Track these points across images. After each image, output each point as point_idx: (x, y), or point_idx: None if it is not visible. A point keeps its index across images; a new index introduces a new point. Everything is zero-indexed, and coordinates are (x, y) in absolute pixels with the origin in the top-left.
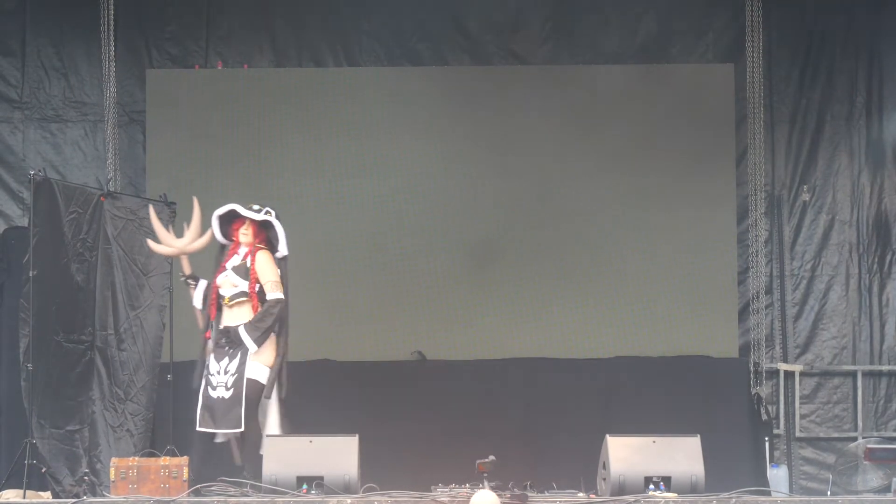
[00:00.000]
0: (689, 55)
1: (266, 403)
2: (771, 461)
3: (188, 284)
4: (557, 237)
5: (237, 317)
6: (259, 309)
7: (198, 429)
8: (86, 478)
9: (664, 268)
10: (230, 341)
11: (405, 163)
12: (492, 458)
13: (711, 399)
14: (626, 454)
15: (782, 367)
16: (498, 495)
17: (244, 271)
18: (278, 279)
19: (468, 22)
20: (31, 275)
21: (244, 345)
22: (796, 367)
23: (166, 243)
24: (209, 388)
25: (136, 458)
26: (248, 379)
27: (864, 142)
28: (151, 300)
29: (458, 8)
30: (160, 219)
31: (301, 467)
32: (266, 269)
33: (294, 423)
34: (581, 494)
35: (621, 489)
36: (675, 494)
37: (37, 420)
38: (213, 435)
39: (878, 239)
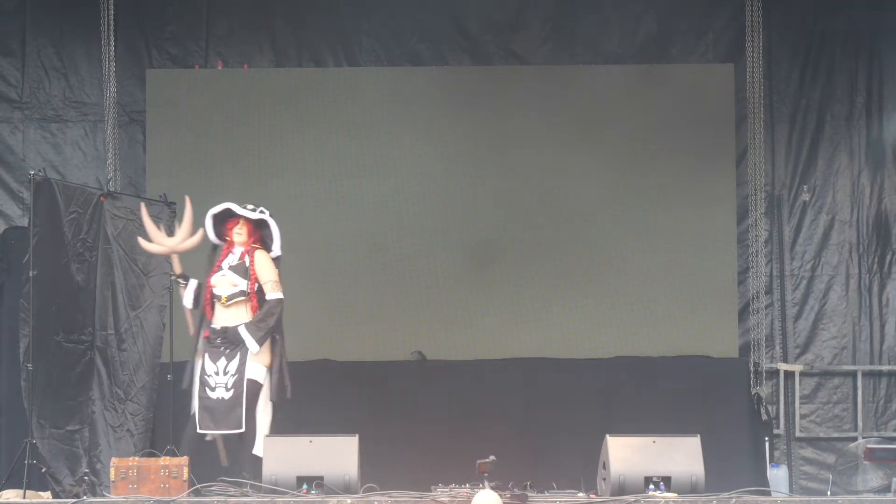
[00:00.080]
0: (689, 55)
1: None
2: (771, 461)
3: (178, 283)
4: (557, 237)
5: (234, 316)
6: (258, 309)
7: (198, 431)
8: (86, 478)
9: (664, 268)
10: (228, 341)
11: (405, 163)
12: (492, 458)
13: (711, 399)
14: (626, 454)
15: (782, 367)
16: (498, 495)
17: (243, 270)
18: (278, 279)
19: (468, 22)
20: (31, 275)
21: (243, 345)
22: (796, 367)
23: (157, 242)
24: (207, 389)
25: (136, 458)
26: (248, 379)
27: (864, 142)
28: (151, 300)
29: (458, 8)
30: (159, 218)
31: (301, 467)
32: (266, 269)
33: (294, 424)
34: (581, 494)
35: (621, 489)
36: (675, 494)
37: (37, 420)
38: (204, 434)
39: (878, 239)
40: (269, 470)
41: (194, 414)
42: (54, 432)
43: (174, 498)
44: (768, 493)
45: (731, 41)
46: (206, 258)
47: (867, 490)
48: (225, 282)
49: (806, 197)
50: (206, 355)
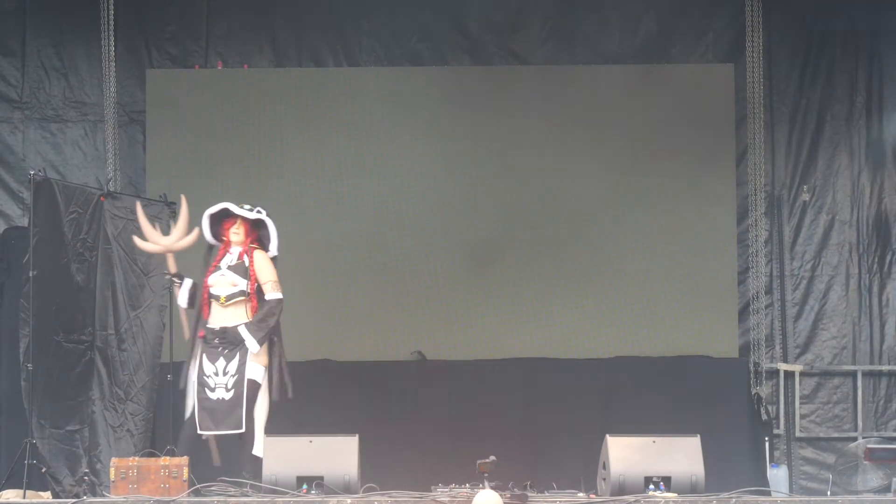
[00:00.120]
0: (689, 55)
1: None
2: (771, 461)
3: (173, 283)
4: (557, 237)
5: (233, 316)
6: (258, 309)
7: (199, 432)
8: (86, 478)
9: (664, 268)
10: (226, 341)
11: (405, 163)
12: (492, 458)
13: (711, 399)
14: (626, 454)
15: (782, 367)
16: (499, 495)
17: (243, 270)
18: (277, 279)
19: (468, 22)
20: (31, 275)
21: (243, 345)
22: (796, 367)
23: (153, 240)
24: (206, 389)
25: (136, 458)
26: (248, 379)
27: (864, 142)
28: (152, 300)
29: (458, 8)
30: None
31: (301, 467)
32: (266, 269)
33: (294, 424)
34: (581, 494)
35: (621, 489)
36: (675, 494)
37: (37, 420)
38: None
39: (878, 239)
40: (269, 470)
41: (192, 414)
42: (54, 432)
43: (174, 498)
44: (768, 493)
45: (731, 41)
46: (202, 258)
47: (867, 490)
48: (224, 281)
49: (806, 197)
50: (204, 356)
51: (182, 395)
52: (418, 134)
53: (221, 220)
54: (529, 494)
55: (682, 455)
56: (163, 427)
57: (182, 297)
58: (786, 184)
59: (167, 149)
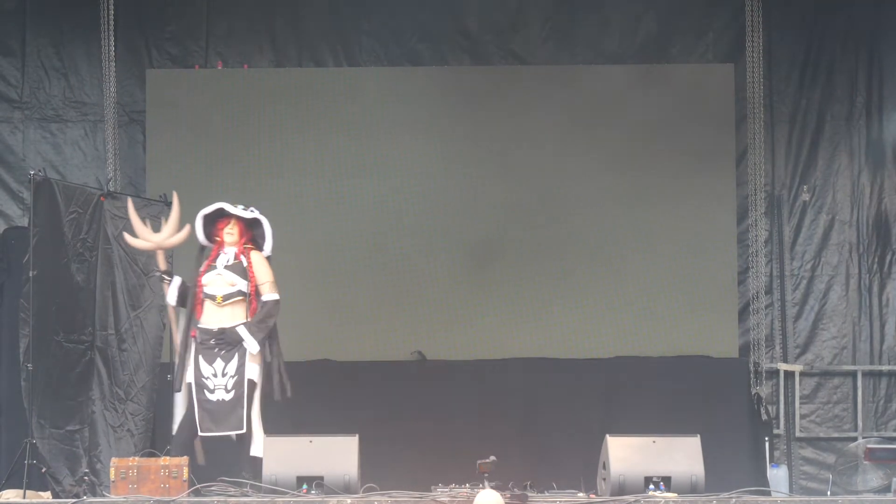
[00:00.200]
0: (689, 55)
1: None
2: (771, 461)
3: (162, 280)
4: (557, 237)
5: (231, 316)
6: (258, 309)
7: (199, 434)
8: (86, 478)
9: (664, 268)
10: (224, 342)
11: (405, 163)
12: (492, 458)
13: (711, 399)
14: (626, 454)
15: (782, 367)
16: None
17: (241, 270)
18: (274, 280)
19: (468, 22)
20: (31, 275)
21: (241, 345)
22: (796, 367)
23: (143, 237)
24: (205, 391)
25: (136, 458)
26: (248, 380)
27: (864, 142)
28: (152, 300)
29: (458, 8)
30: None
31: (301, 467)
32: (263, 270)
33: (294, 424)
34: (581, 494)
35: (621, 489)
36: (675, 494)
37: (37, 420)
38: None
39: (878, 239)
40: (269, 470)
41: (190, 416)
42: (54, 432)
43: (174, 498)
44: (768, 493)
45: (731, 41)
46: (194, 258)
47: (867, 490)
48: (221, 281)
49: (806, 197)
50: (201, 357)
51: (176, 395)
52: (418, 134)
53: (215, 221)
54: (529, 494)
55: (682, 455)
56: (163, 427)
57: (171, 294)
58: (786, 184)
59: (167, 149)
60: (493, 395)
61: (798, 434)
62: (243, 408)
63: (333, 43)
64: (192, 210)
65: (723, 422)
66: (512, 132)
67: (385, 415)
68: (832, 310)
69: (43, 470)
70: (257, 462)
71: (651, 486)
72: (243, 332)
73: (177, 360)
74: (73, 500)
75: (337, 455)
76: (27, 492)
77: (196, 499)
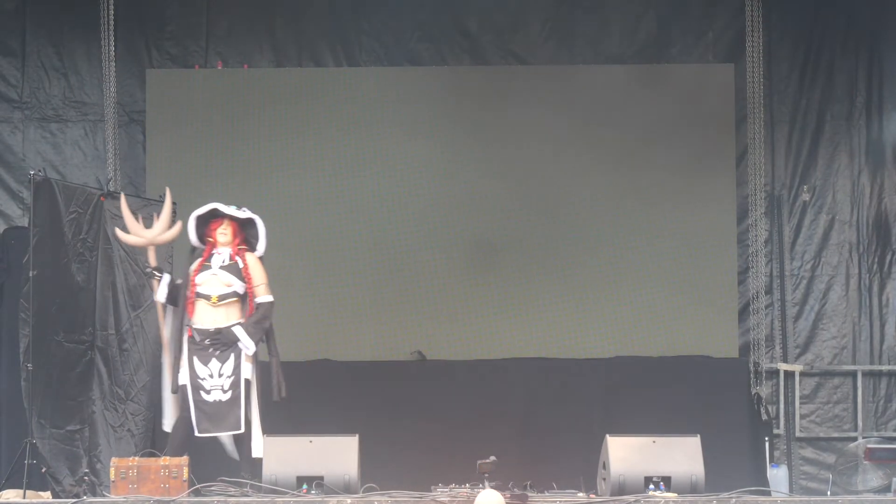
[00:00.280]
0: (689, 55)
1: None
2: (771, 461)
3: (153, 276)
4: (557, 237)
5: (225, 316)
6: (254, 311)
7: (197, 434)
8: (86, 478)
9: (664, 268)
10: (219, 342)
11: (405, 163)
12: (492, 458)
13: (711, 399)
14: (626, 454)
15: (782, 367)
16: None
17: (237, 271)
18: (267, 281)
19: (468, 22)
20: (31, 275)
21: (236, 345)
22: (796, 367)
23: (135, 233)
24: (201, 392)
25: (136, 458)
26: (244, 379)
27: (864, 142)
28: (152, 300)
29: (458, 8)
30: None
31: (301, 467)
32: (259, 272)
33: (294, 424)
34: (581, 494)
35: (621, 489)
36: (675, 494)
37: (37, 420)
38: (191, 433)
39: (878, 239)
40: (269, 470)
41: (186, 417)
42: (54, 432)
43: (174, 498)
44: (768, 493)
45: (731, 41)
46: (186, 257)
47: (867, 490)
48: (217, 281)
49: (806, 197)
50: (195, 358)
51: (171, 395)
52: (418, 134)
53: (208, 221)
54: (529, 494)
55: (682, 455)
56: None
57: (161, 291)
58: (786, 184)
59: (167, 149)
60: (493, 395)
61: (798, 434)
62: (240, 408)
63: (333, 43)
64: (190, 209)
65: (723, 422)
66: (512, 132)
67: (385, 415)
68: (832, 310)
69: (43, 470)
70: (257, 463)
71: (651, 486)
72: (240, 332)
73: (165, 358)
74: (73, 500)
75: (337, 455)
76: (27, 492)
77: (196, 499)
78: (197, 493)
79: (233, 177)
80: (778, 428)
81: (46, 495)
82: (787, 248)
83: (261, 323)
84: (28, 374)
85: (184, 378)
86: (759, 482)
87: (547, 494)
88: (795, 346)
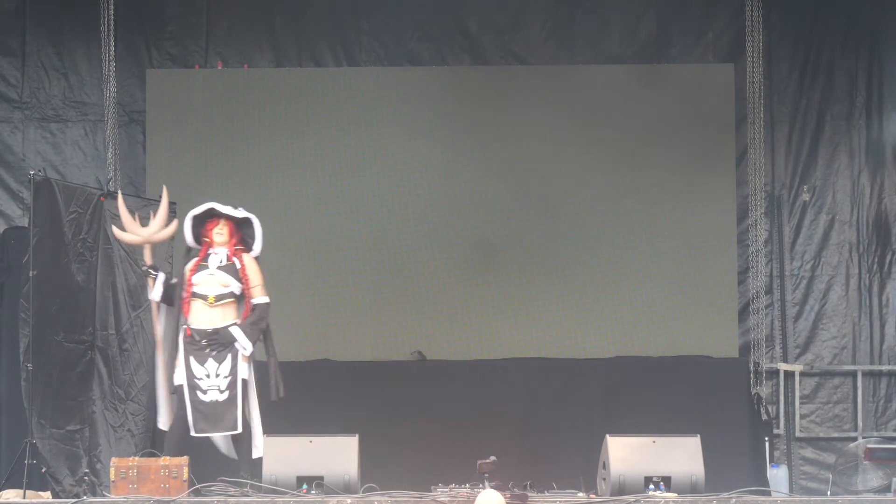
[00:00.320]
0: (689, 55)
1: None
2: (771, 461)
3: (148, 275)
4: (557, 237)
5: (221, 317)
6: (251, 312)
7: (193, 434)
8: (86, 478)
9: (664, 268)
10: (217, 342)
11: (405, 163)
12: (493, 458)
13: (711, 399)
14: (626, 454)
15: (782, 367)
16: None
17: (234, 272)
18: (263, 283)
19: (468, 22)
20: (31, 275)
21: (233, 346)
22: (796, 367)
23: (132, 231)
24: (198, 392)
25: (136, 458)
26: (241, 379)
27: (864, 142)
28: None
29: (458, 8)
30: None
31: (301, 467)
32: (255, 273)
33: (294, 424)
34: (581, 494)
35: (621, 489)
36: (675, 494)
37: (37, 420)
38: (187, 432)
39: (878, 239)
40: (269, 470)
41: (182, 417)
42: (54, 432)
43: (174, 498)
44: (768, 493)
45: (731, 41)
46: (181, 257)
47: (867, 490)
48: (214, 281)
49: (806, 197)
50: (192, 358)
51: (169, 394)
52: (418, 134)
53: (204, 221)
54: (529, 494)
55: (682, 455)
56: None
57: (156, 290)
58: (786, 184)
59: (167, 149)
60: (493, 395)
61: (798, 434)
62: (237, 408)
63: (333, 43)
64: (190, 209)
65: (723, 422)
66: (512, 132)
67: (385, 415)
68: (832, 310)
69: (43, 470)
70: (257, 463)
71: (651, 486)
72: (237, 332)
73: (159, 357)
74: (73, 500)
75: (337, 455)
76: (27, 492)
77: (196, 499)
78: (197, 493)
79: (233, 177)
80: (778, 428)
81: (46, 495)
82: (787, 248)
83: (257, 324)
84: (28, 374)
85: (180, 378)
86: (759, 482)
87: (547, 494)
88: (795, 346)
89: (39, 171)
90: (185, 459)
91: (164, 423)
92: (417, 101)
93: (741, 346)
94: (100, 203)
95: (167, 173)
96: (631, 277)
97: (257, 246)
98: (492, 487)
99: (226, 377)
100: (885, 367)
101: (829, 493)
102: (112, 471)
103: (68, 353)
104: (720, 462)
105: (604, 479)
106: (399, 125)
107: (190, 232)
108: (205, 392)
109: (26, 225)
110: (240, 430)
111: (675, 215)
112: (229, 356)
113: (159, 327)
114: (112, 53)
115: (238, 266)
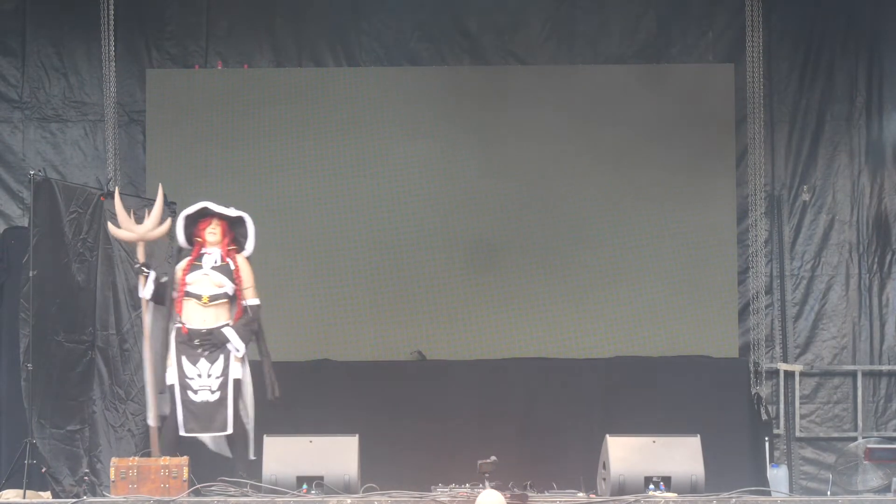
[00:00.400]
0: (689, 55)
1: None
2: (771, 461)
3: (140, 273)
4: (557, 237)
5: (215, 317)
6: (243, 313)
7: (182, 434)
8: (86, 478)
9: (664, 268)
10: (210, 342)
11: (405, 163)
12: (493, 458)
13: (711, 399)
14: (626, 454)
15: (782, 367)
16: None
17: (228, 272)
18: (254, 284)
19: (468, 22)
20: (31, 275)
21: (226, 346)
22: (796, 367)
23: (127, 229)
24: (189, 392)
25: (136, 458)
26: (234, 380)
27: (864, 142)
28: None
29: (458, 8)
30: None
31: (301, 467)
32: (249, 274)
33: (293, 424)
34: (581, 494)
35: (621, 489)
36: (675, 494)
37: (37, 420)
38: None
39: (878, 239)
40: (269, 470)
41: (172, 417)
42: (55, 432)
43: (174, 498)
44: (768, 493)
45: (731, 41)
46: (174, 256)
47: (867, 490)
48: (208, 281)
49: (806, 197)
50: (184, 357)
51: (162, 393)
52: (418, 134)
53: (196, 221)
54: (529, 494)
55: (682, 455)
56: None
57: (147, 288)
58: (786, 184)
59: (167, 149)
60: (493, 395)
61: (798, 434)
62: (228, 408)
63: (333, 43)
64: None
65: (723, 422)
66: (512, 132)
67: (385, 415)
68: (832, 310)
69: (43, 470)
70: (254, 464)
71: (651, 486)
72: (230, 333)
73: (147, 354)
74: (73, 500)
75: (337, 455)
76: (27, 492)
77: (196, 499)
78: (197, 493)
79: (232, 177)
80: (778, 428)
81: (46, 495)
82: (787, 248)
83: (250, 325)
84: (28, 374)
85: (172, 377)
86: (759, 482)
87: (547, 494)
88: (795, 346)
89: (39, 171)
90: (185, 459)
91: (151, 419)
92: (417, 101)
93: (741, 346)
94: (100, 203)
95: (167, 173)
96: (631, 277)
97: (249, 245)
98: (492, 487)
99: (217, 377)
100: (885, 367)
101: (829, 493)
102: (112, 471)
103: (68, 353)
104: (720, 462)
105: (604, 479)
106: (399, 125)
107: (182, 232)
108: (196, 392)
109: (26, 225)
110: (230, 430)
111: (675, 215)
112: (221, 357)
113: (148, 326)
114: (112, 53)
115: (232, 267)
